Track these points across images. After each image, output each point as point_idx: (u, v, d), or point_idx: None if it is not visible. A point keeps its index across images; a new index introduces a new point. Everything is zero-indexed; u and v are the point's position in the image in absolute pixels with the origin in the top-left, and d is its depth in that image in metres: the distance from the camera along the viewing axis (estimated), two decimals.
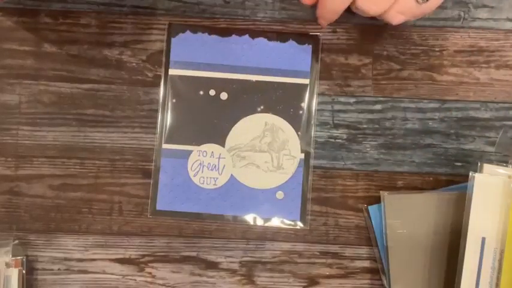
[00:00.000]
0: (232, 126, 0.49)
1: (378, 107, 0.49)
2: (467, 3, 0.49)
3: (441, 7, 0.49)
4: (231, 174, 0.48)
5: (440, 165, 0.49)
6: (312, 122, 0.49)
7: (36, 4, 0.49)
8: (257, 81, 0.49)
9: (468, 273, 0.43)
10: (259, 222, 0.48)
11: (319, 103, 0.49)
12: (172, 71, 0.49)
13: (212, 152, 0.49)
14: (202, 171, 0.48)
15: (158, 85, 0.49)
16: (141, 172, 0.49)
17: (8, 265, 0.46)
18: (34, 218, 0.48)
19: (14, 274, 0.46)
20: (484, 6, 0.49)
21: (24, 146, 0.49)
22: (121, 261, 0.48)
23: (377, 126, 0.49)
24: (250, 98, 0.49)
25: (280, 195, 0.48)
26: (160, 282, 0.48)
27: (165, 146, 0.48)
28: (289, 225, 0.48)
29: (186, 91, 0.49)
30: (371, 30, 0.49)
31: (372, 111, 0.49)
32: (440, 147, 0.49)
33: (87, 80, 0.49)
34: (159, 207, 0.48)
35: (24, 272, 0.46)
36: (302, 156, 0.49)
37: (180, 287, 0.49)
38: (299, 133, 0.49)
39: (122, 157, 0.49)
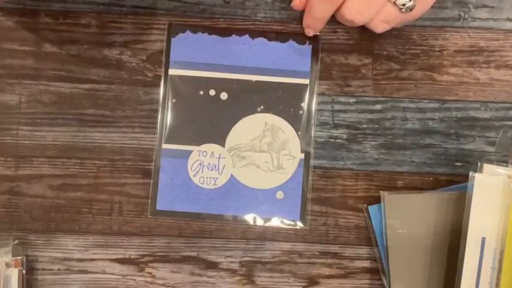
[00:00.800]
0: (232, 126, 0.49)
1: (378, 107, 0.49)
2: (467, 3, 0.49)
3: (441, 7, 0.49)
4: (231, 174, 0.48)
5: (440, 165, 0.49)
6: (312, 122, 0.49)
7: (36, 4, 0.49)
8: (257, 81, 0.49)
9: (468, 273, 0.43)
10: (259, 222, 0.48)
11: (319, 103, 0.49)
12: (172, 71, 0.49)
13: (212, 152, 0.49)
14: (202, 171, 0.48)
15: (158, 85, 0.49)
16: (141, 172, 0.49)
17: (8, 265, 0.46)
18: (34, 218, 0.48)
19: (14, 274, 0.46)
20: (484, 6, 0.49)
21: (24, 146, 0.49)
22: (121, 261, 0.48)
23: (377, 126, 0.49)
24: (250, 98, 0.49)
25: (280, 195, 0.48)
26: (160, 282, 0.48)
27: (165, 146, 0.48)
28: (289, 225, 0.48)
29: (186, 91, 0.49)
30: (371, 30, 0.49)
31: (371, 111, 0.49)
32: (440, 147, 0.49)
33: (87, 80, 0.49)
34: (159, 207, 0.48)
35: (24, 272, 0.46)
36: (302, 156, 0.49)
37: (180, 287, 0.49)
38: (299, 133, 0.49)
39: (122, 157, 0.49)
